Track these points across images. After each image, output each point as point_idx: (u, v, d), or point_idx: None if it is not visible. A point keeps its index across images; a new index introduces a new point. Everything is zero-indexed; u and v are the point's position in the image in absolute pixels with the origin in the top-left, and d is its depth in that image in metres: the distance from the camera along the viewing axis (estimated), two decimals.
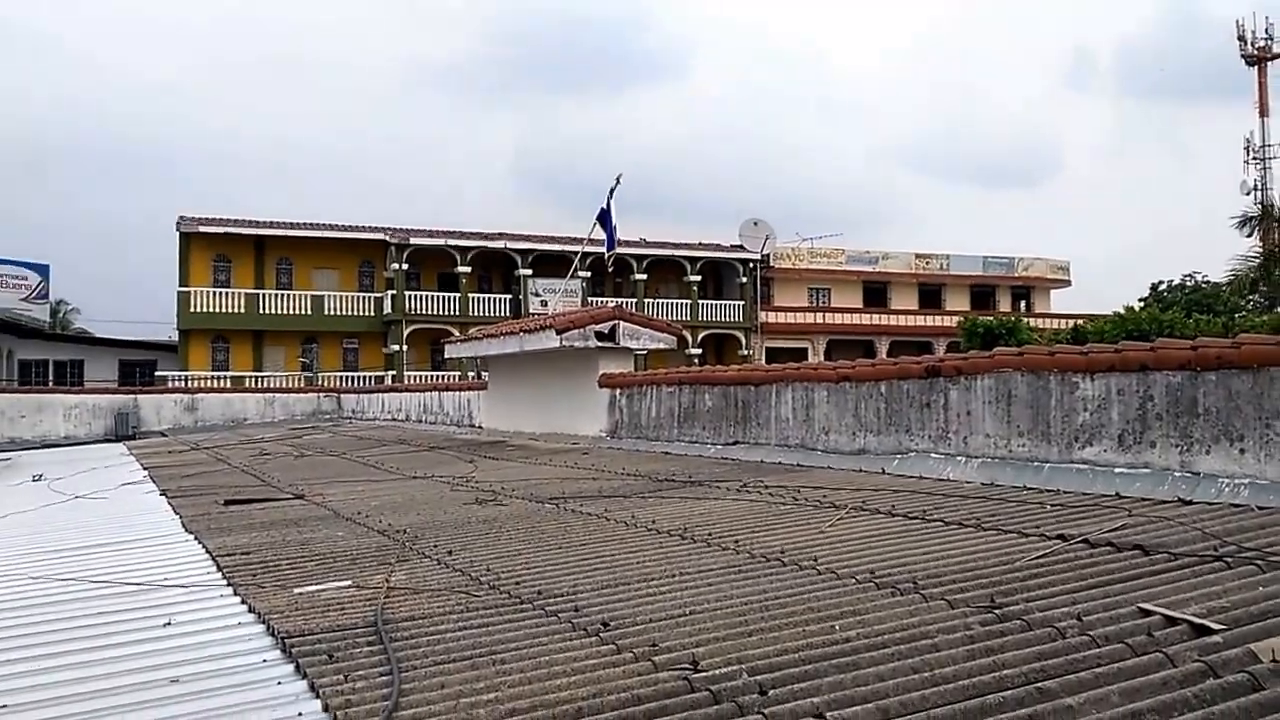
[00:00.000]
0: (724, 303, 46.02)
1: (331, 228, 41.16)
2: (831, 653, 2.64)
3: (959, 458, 6.56)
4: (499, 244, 41.81)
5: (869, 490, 5.96)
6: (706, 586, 3.53)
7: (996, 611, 2.93)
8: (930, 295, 51.35)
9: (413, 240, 40.56)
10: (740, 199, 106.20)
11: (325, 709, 2.52)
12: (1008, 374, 6.24)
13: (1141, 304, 41.23)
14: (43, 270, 44.18)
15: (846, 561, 3.81)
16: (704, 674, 2.52)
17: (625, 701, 2.37)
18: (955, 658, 2.56)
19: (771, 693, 2.39)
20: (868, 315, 48.72)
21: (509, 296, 42.04)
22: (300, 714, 2.52)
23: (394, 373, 38.71)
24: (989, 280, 52.16)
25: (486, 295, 42.20)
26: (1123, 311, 31.46)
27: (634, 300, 41.84)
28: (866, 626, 2.87)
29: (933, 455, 6.79)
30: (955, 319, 40.10)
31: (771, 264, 47.29)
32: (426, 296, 40.81)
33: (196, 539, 5.60)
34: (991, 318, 31.68)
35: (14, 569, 4.97)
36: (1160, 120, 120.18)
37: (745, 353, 44.70)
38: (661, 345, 12.49)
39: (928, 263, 50.75)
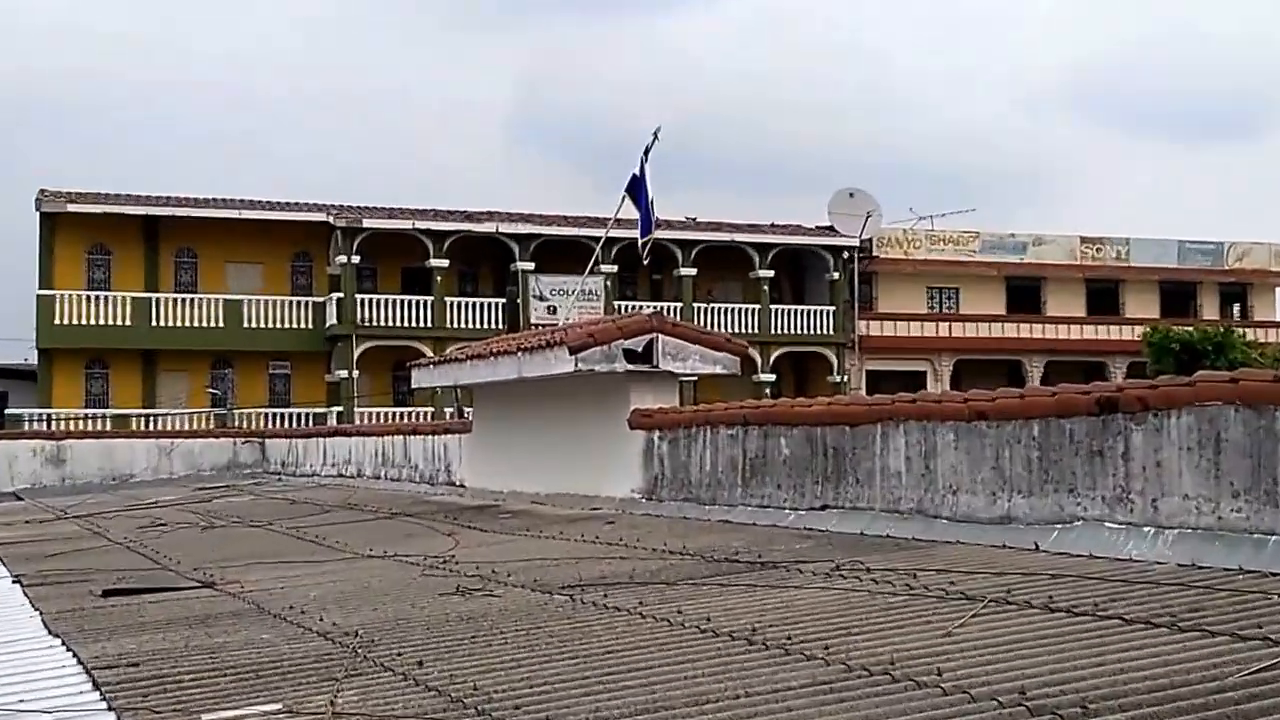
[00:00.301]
0: (807, 308, 46.05)
1: (253, 206, 41.63)
2: None
3: (1145, 528, 6.50)
4: (488, 227, 42.09)
5: (1016, 574, 5.93)
6: (785, 712, 3.52)
7: None
8: (1103, 297, 51.06)
9: (367, 222, 40.95)
10: (826, 161, 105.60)
11: None
12: (1215, 408, 6.19)
13: None
14: None
15: (985, 676, 3.79)
16: None
17: None
18: None
19: None
20: (1012, 325, 48.53)
21: (503, 301, 42.32)
22: None
23: (340, 409, 39.04)
24: (1187, 275, 51.77)
25: (471, 299, 42.51)
26: None
27: (679, 306, 41.97)
28: None
29: (1108, 525, 6.75)
30: (1139, 330, 39.83)
31: (874, 253, 47.26)
32: (386, 301, 41.13)
33: (64, 644, 5.65)
34: (1191, 328, 31.48)
35: None
36: None
37: (838, 379, 44.62)
38: (718, 369, 12.49)
39: (1099, 250, 50.46)
